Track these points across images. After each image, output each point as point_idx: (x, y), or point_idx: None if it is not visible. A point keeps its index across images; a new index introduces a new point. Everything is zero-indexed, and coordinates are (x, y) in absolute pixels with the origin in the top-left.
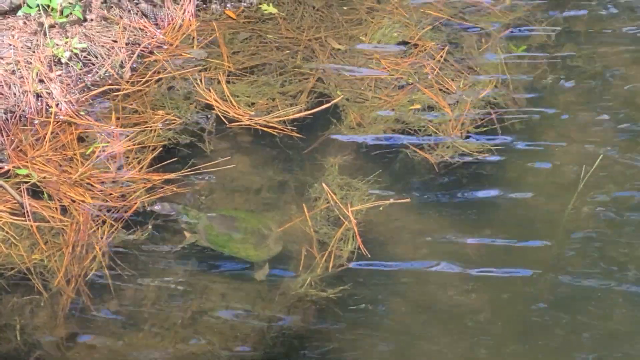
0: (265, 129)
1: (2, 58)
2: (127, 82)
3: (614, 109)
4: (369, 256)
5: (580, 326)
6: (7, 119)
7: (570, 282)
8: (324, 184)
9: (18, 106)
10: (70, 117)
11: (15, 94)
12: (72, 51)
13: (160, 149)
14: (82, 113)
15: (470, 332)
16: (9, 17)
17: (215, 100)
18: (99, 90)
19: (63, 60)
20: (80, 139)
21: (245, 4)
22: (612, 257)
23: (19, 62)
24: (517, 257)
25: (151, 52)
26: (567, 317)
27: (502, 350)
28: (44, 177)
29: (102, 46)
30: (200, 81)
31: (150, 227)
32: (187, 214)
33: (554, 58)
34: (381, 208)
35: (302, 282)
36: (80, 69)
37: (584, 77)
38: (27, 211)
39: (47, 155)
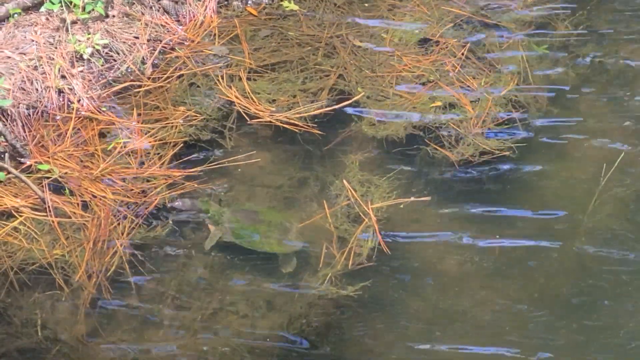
0: (286, 125)
1: (24, 54)
2: (149, 78)
3: (636, 109)
4: (389, 254)
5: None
6: (29, 115)
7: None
8: (344, 181)
9: (40, 102)
10: (92, 112)
11: (37, 89)
12: (94, 47)
13: (181, 145)
14: (104, 109)
15: (497, 327)
16: (31, 13)
17: (237, 97)
18: (121, 86)
19: (85, 57)
20: (102, 135)
21: (266, 1)
22: None
23: (41, 57)
24: (539, 251)
25: (172, 49)
26: None
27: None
28: (66, 173)
29: (124, 42)
30: (222, 78)
31: (170, 222)
32: (209, 210)
33: (576, 57)
34: (402, 206)
35: (323, 279)
36: (102, 65)
37: (605, 77)
38: (49, 206)
39: (69, 150)
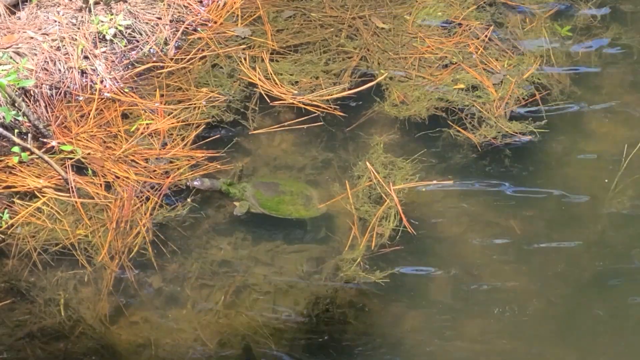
0: (308, 107)
1: (47, 34)
2: (171, 59)
3: None
4: (415, 234)
5: None
6: (52, 96)
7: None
8: (367, 162)
9: (63, 82)
10: (115, 93)
11: (60, 70)
12: (116, 28)
13: (204, 126)
14: (127, 90)
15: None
16: None
17: (259, 79)
18: (143, 67)
19: (108, 37)
20: (124, 116)
21: None
22: None
23: (64, 38)
24: (563, 233)
25: (195, 30)
26: None
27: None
28: (89, 154)
29: (147, 23)
30: (244, 59)
31: (189, 201)
32: (229, 191)
33: (600, 38)
34: (424, 189)
35: (351, 262)
36: (125, 46)
37: (629, 58)
38: (72, 187)
39: (92, 131)
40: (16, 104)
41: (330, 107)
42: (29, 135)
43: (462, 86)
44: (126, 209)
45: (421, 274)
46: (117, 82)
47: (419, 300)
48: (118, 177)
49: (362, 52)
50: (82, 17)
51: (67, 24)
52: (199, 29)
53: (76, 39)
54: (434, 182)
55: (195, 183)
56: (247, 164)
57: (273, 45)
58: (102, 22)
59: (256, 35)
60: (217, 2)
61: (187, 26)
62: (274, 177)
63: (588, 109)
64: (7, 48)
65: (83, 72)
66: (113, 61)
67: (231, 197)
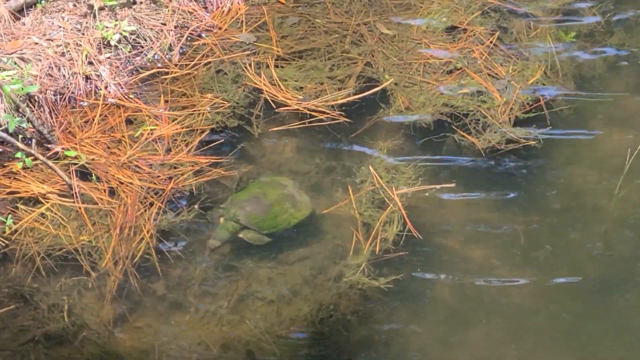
0: (313, 113)
1: (52, 40)
2: (176, 65)
3: None
4: (421, 238)
5: None
6: (57, 101)
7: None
8: (370, 167)
9: (67, 88)
10: (119, 99)
11: (64, 75)
12: (121, 34)
13: (208, 132)
14: (131, 96)
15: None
16: (59, 0)
17: (264, 84)
18: (148, 73)
19: (112, 43)
20: (129, 122)
21: None
22: None
23: (68, 44)
24: (567, 242)
25: (200, 36)
26: None
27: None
28: (93, 159)
29: (151, 29)
30: (249, 65)
31: (196, 207)
32: (227, 231)
33: (604, 45)
34: (427, 194)
35: (356, 268)
36: (129, 52)
37: (634, 64)
38: (76, 193)
39: (96, 137)
40: (20, 110)
41: (335, 113)
42: (33, 140)
43: (467, 91)
44: (130, 215)
45: (425, 279)
46: (122, 87)
47: (423, 306)
48: (122, 183)
49: (366, 58)
50: (86, 22)
51: (71, 29)
52: (203, 35)
53: (81, 45)
54: (437, 186)
55: (212, 246)
56: (252, 170)
57: (278, 51)
58: (106, 27)
59: (261, 41)
60: (222, 8)
61: (192, 32)
62: (247, 187)
63: (592, 115)
64: (12, 54)
65: (87, 78)
66: (117, 67)
67: (232, 231)
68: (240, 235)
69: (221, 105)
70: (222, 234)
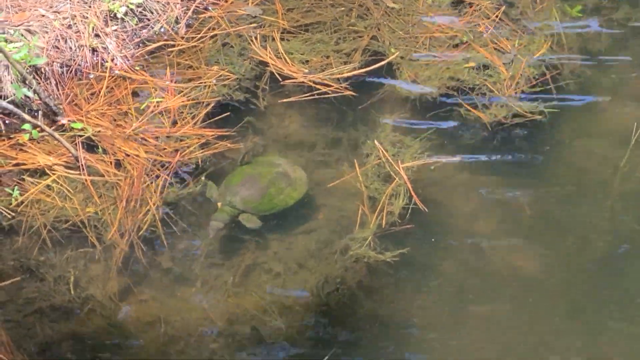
0: (319, 86)
1: (58, 12)
2: (182, 38)
3: None
4: (426, 211)
5: None
6: (63, 73)
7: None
8: (375, 141)
9: (74, 60)
10: (126, 72)
11: (71, 48)
12: (128, 6)
13: (214, 104)
14: (137, 68)
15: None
16: None
17: (270, 57)
18: (154, 45)
19: (119, 15)
20: (135, 94)
21: None
22: None
23: (75, 16)
24: (574, 214)
25: (206, 9)
26: None
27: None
28: (99, 131)
29: (158, 2)
30: (255, 38)
31: (203, 179)
32: (228, 212)
33: (610, 19)
34: (432, 167)
35: (362, 241)
36: (136, 24)
37: (639, 38)
38: (82, 165)
39: (102, 109)
40: (27, 82)
41: (341, 86)
42: (40, 112)
43: (472, 65)
44: (136, 187)
45: (431, 252)
46: (128, 60)
47: (429, 280)
48: (128, 155)
49: (372, 31)
50: None
51: (78, 2)
52: (210, 7)
53: (87, 17)
54: (443, 160)
55: (214, 227)
56: (257, 142)
57: (284, 24)
58: (113, 0)
59: (267, 14)
60: None
61: (198, 5)
62: (238, 170)
63: (598, 88)
64: (19, 26)
65: (94, 50)
66: (124, 39)
67: (231, 216)
68: (240, 219)
69: (227, 77)
70: (222, 216)
